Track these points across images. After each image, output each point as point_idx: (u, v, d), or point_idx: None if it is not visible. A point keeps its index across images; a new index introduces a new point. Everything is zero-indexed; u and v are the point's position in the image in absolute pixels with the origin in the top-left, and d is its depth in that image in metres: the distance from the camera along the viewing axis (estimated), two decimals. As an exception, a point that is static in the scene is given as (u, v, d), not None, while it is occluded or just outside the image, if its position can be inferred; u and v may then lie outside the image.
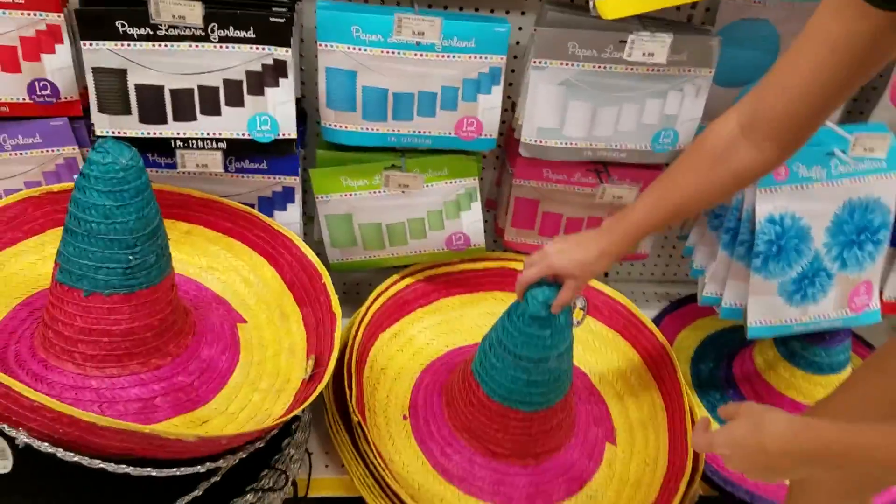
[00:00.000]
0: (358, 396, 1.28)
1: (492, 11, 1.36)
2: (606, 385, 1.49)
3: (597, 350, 1.54)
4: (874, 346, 1.75)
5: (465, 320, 1.54)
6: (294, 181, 1.33)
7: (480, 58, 1.22)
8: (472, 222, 1.41)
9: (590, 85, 1.24)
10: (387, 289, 1.47)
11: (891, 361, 1.06)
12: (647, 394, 1.45)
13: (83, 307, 1.04)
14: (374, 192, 1.35)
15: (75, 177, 1.28)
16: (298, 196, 1.36)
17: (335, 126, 1.27)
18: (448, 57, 1.21)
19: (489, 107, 1.26)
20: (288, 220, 1.37)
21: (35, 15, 1.12)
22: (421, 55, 1.20)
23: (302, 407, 1.08)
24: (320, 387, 1.13)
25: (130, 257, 1.03)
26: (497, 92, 1.25)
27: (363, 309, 1.42)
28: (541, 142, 1.30)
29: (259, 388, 1.20)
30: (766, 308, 1.37)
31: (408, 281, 1.50)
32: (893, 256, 1.50)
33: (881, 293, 1.50)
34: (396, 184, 1.30)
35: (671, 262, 1.88)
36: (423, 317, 1.51)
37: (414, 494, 1.20)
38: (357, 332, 1.36)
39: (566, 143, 1.30)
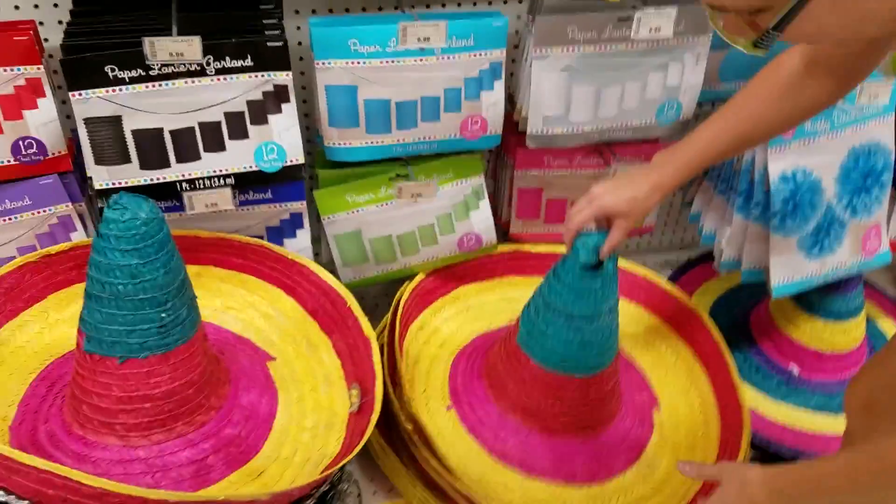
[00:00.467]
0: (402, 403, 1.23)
1: (474, 4, 1.32)
2: (639, 355, 1.46)
3: (623, 325, 1.48)
4: (877, 287, 1.79)
5: (487, 307, 1.49)
6: (301, 206, 1.28)
7: (480, 54, 1.18)
8: (481, 221, 1.39)
9: (592, 67, 1.22)
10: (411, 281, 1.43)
11: None
12: (683, 361, 1.44)
13: (119, 375, 0.98)
14: (382, 206, 1.31)
15: (73, 235, 1.21)
16: (307, 221, 1.31)
17: (339, 144, 1.23)
18: (448, 58, 1.17)
19: (493, 102, 1.23)
20: (299, 247, 1.32)
21: (12, 70, 1.05)
22: (421, 60, 1.16)
23: (363, 441, 1.04)
24: (374, 417, 1.09)
25: (164, 315, 0.98)
26: (499, 87, 1.22)
27: (394, 307, 1.36)
28: (547, 131, 1.27)
29: (306, 427, 1.15)
30: (788, 266, 1.38)
31: (449, 262, 1.45)
32: (893, 198, 1.52)
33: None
34: (409, 193, 1.26)
35: (666, 229, 1.88)
36: (445, 306, 1.46)
37: (474, 486, 1.14)
38: (394, 335, 1.30)
39: (573, 130, 1.28)
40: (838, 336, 1.53)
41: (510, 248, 1.53)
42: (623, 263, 1.55)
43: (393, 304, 1.35)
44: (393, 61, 1.15)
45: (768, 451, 1.41)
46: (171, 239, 0.99)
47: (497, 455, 1.22)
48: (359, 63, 1.14)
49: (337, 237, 1.34)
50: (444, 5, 1.29)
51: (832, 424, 1.50)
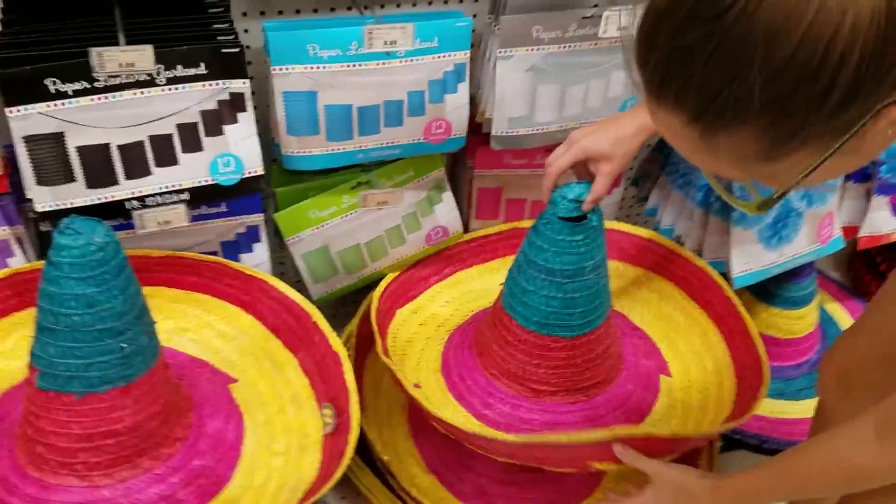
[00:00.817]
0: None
1: (430, 3, 1.28)
2: (649, 322, 1.40)
3: (632, 294, 1.44)
4: (824, 273, 1.83)
5: (488, 287, 1.41)
6: (258, 219, 1.22)
7: (444, 56, 1.15)
8: (447, 212, 1.36)
9: (557, 67, 1.20)
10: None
11: None
12: (696, 324, 1.37)
13: (78, 412, 0.91)
14: (346, 216, 1.27)
15: (10, 261, 1.12)
16: (264, 234, 1.25)
17: (298, 153, 1.17)
18: (412, 61, 1.13)
19: (457, 105, 1.20)
20: (257, 262, 1.26)
21: (-63, 86, 0.96)
22: (384, 63, 1.12)
23: (344, 463, 1.00)
24: (352, 438, 1.04)
25: (124, 345, 0.91)
26: (463, 89, 1.19)
27: (375, 293, 1.30)
28: (512, 132, 1.25)
29: (277, 452, 1.10)
30: (748, 256, 1.39)
31: (420, 257, 1.39)
32: (842, 186, 1.55)
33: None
34: (375, 202, 1.22)
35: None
36: (442, 291, 1.40)
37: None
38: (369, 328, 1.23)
39: (538, 130, 1.26)
40: (794, 323, 1.57)
41: (509, 225, 1.46)
42: (631, 228, 1.48)
43: (377, 290, 1.30)
44: (355, 65, 1.10)
45: (732, 437, 1.43)
46: (127, 263, 0.92)
47: (485, 421, 1.18)
48: (319, 68, 1.09)
49: (305, 256, 1.29)
50: (398, 5, 1.24)
51: (792, 409, 1.54)
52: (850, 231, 1.56)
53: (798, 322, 1.57)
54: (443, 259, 1.42)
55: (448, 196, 1.35)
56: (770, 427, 1.48)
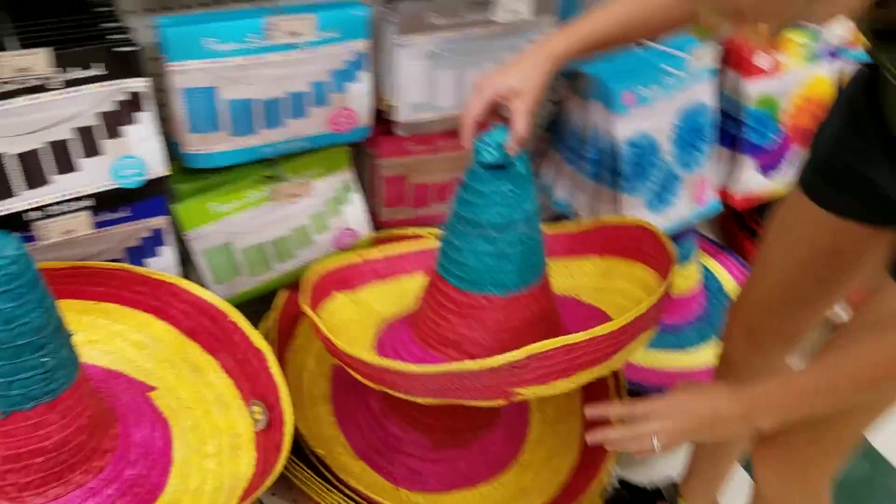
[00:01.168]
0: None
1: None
2: (597, 300, 1.30)
3: (570, 274, 1.34)
4: (700, 232, 1.97)
5: None
6: (164, 222, 1.19)
7: (344, 45, 1.16)
8: (355, 214, 1.36)
9: (454, 52, 1.23)
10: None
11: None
12: (638, 282, 1.26)
13: (4, 432, 0.87)
14: (250, 211, 1.25)
15: None
16: (171, 237, 1.22)
17: (201, 150, 1.15)
18: (314, 51, 1.13)
19: (360, 94, 1.22)
20: (164, 266, 1.22)
21: None
22: (285, 55, 1.12)
23: (283, 456, 1.00)
24: (288, 430, 1.05)
25: (45, 359, 0.88)
26: (365, 78, 1.21)
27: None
28: (416, 118, 1.28)
29: (209, 454, 1.09)
30: (638, 222, 1.48)
31: (368, 256, 1.30)
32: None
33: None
34: (285, 195, 1.21)
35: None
36: (380, 288, 1.31)
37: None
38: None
39: (440, 115, 1.29)
40: (680, 280, 1.68)
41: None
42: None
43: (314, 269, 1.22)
44: (255, 58, 1.10)
45: (633, 391, 1.52)
46: (40, 276, 0.88)
47: None
48: (218, 63, 1.08)
49: (205, 252, 1.26)
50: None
51: (687, 360, 1.66)
52: (723, 194, 1.69)
53: (684, 279, 1.69)
54: (384, 262, 1.33)
55: (357, 198, 1.35)
56: (669, 380, 1.59)
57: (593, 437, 0.95)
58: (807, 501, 1.09)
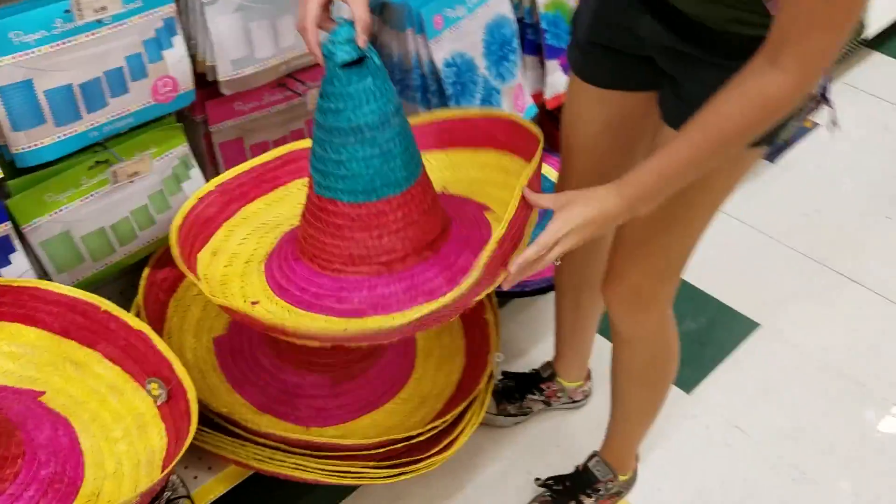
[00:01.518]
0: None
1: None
2: (460, 188, 1.32)
3: (449, 166, 1.35)
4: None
5: (280, 219, 1.32)
6: (7, 228, 1.16)
7: (151, 14, 1.15)
8: (195, 190, 1.37)
9: (263, 1, 1.25)
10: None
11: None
12: (514, 175, 1.21)
13: None
14: (87, 198, 1.23)
15: None
16: (18, 242, 1.18)
17: (28, 148, 1.12)
18: (121, 25, 1.13)
19: (177, 59, 1.21)
20: (20, 272, 1.19)
21: None
22: (94, 34, 1.10)
23: (194, 420, 1.03)
24: (192, 396, 1.08)
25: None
26: (179, 43, 1.21)
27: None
28: (238, 73, 1.29)
29: (117, 439, 1.10)
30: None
31: (199, 195, 1.26)
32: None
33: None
34: (125, 175, 1.21)
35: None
36: (234, 229, 1.29)
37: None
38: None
39: (262, 66, 1.31)
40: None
41: (287, 149, 1.36)
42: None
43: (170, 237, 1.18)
44: (64, 43, 1.08)
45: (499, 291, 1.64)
46: None
47: (350, 315, 1.09)
48: (28, 54, 1.05)
49: (44, 244, 1.22)
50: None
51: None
52: (537, 97, 1.82)
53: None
54: (224, 194, 1.30)
55: (196, 173, 1.35)
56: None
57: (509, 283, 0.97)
58: (655, 325, 1.28)
